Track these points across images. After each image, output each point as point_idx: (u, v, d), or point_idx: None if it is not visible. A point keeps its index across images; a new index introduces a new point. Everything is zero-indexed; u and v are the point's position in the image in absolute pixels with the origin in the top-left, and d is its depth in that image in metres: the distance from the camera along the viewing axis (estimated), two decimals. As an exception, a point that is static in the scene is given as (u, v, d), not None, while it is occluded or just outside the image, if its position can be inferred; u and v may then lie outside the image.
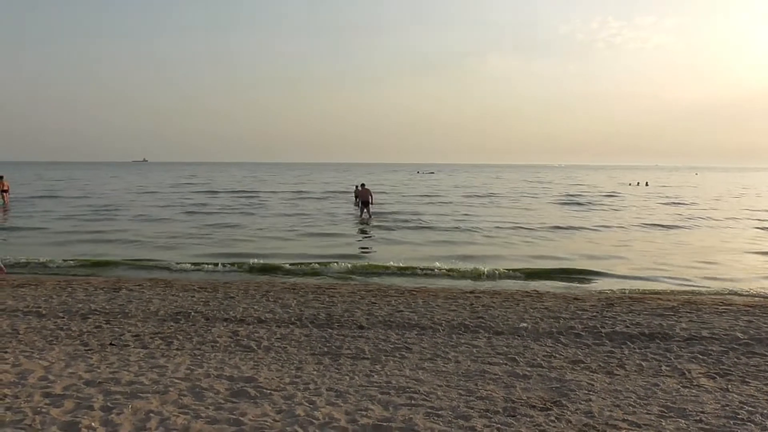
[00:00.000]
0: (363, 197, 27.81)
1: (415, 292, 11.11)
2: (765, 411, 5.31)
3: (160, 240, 20.22)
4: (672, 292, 12.11)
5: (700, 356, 7.08)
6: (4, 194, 32.88)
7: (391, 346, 7.43)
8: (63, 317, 8.74)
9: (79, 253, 16.56)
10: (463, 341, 7.69)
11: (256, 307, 9.52)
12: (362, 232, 23.51)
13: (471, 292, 11.27)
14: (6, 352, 6.77)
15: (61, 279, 12.35)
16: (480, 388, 5.83)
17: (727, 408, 5.38)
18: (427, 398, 5.51)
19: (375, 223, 25.56)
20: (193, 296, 10.33)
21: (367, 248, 19.21)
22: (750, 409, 5.37)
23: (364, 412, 5.11)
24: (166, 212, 30.75)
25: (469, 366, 6.63)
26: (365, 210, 27.62)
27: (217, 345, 7.39)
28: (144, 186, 60.34)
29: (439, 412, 5.15)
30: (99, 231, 22.22)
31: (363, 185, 28.70)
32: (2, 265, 12.41)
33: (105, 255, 16.46)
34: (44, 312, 9.02)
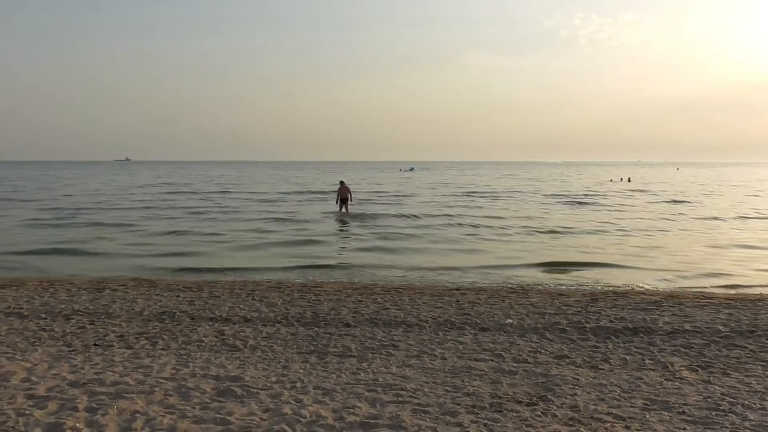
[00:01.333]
0: (342, 194, 28.65)
1: (401, 290, 11.13)
2: (746, 402, 5.39)
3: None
4: (655, 287, 12.23)
5: (683, 349, 7.17)
6: None
7: (378, 343, 7.45)
8: (45, 318, 8.65)
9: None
10: (449, 338, 7.72)
11: (241, 306, 9.48)
12: (340, 229, 23.68)
13: (456, 289, 11.31)
14: (-13, 355, 6.69)
15: (43, 279, 12.21)
16: (466, 384, 5.86)
17: (709, 400, 5.46)
18: (414, 395, 5.53)
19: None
20: (178, 296, 10.27)
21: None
22: (731, 400, 5.45)
23: (351, 410, 5.12)
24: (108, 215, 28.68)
25: (455, 362, 6.65)
26: (344, 206, 28.48)
27: (203, 344, 7.35)
28: (100, 189, 54.20)
29: (426, 409, 5.17)
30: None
31: (342, 182, 29.45)
32: None
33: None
34: (26, 313, 8.91)
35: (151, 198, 42.16)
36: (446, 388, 5.76)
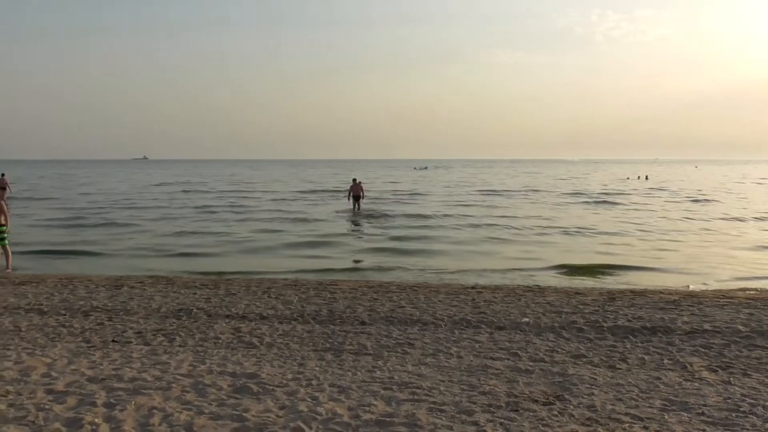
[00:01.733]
0: (354, 192, 29.00)
1: (416, 288, 11.11)
2: (767, 403, 5.32)
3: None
4: (673, 286, 12.11)
5: (702, 349, 7.09)
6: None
7: (394, 341, 7.44)
8: (65, 314, 8.75)
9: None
10: (465, 336, 7.69)
11: (258, 303, 9.52)
12: (354, 226, 23.83)
13: (472, 288, 11.28)
14: (8, 350, 6.78)
15: (62, 276, 12.35)
16: (482, 383, 5.83)
17: (729, 401, 5.39)
18: (430, 393, 5.52)
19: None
20: (195, 293, 10.34)
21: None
22: (752, 401, 5.37)
23: (367, 408, 5.12)
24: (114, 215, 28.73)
25: (471, 361, 6.63)
26: (356, 204, 28.86)
27: (220, 342, 7.39)
28: (114, 188, 54.39)
29: (442, 407, 5.16)
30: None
31: (355, 180, 29.65)
32: None
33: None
34: (46, 309, 9.02)
35: (164, 197, 42.54)
36: (462, 386, 5.74)
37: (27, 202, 36.77)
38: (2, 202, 13.79)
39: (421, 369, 6.32)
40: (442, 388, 5.67)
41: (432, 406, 5.20)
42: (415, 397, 5.43)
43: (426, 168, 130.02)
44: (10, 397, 5.19)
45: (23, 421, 4.64)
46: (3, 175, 34.46)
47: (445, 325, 8.24)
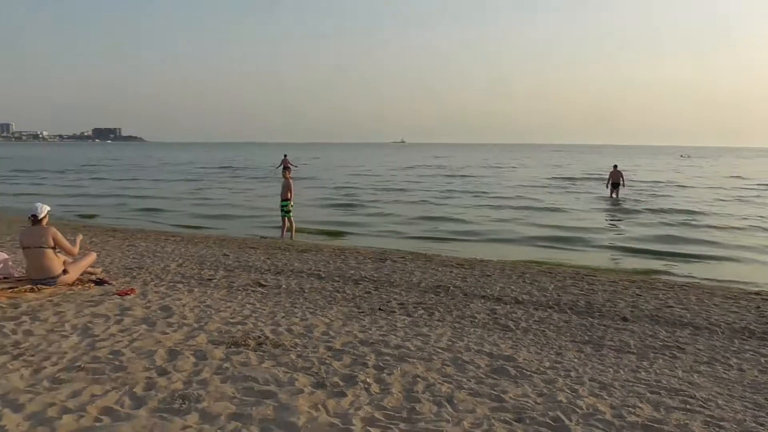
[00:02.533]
0: (614, 178, 27.88)
1: (686, 288, 10.13)
2: None
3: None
4: None
5: None
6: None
7: (660, 343, 6.87)
8: (338, 281, 9.72)
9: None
10: (747, 348, 6.80)
11: (512, 287, 9.53)
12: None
13: (757, 294, 9.90)
14: (295, 307, 7.75)
15: (335, 247, 13.75)
16: (772, 403, 5.10)
17: None
18: (705, 405, 4.98)
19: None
20: (451, 272, 10.72)
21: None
22: None
23: (631, 409, 4.80)
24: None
25: (756, 377, 5.83)
26: (615, 192, 27.77)
27: (476, 321, 7.56)
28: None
29: (721, 423, 4.62)
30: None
31: (615, 167, 28.29)
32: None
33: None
34: (323, 275, 10.12)
35: (430, 181, 44.62)
36: (745, 403, 5.08)
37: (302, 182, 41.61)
38: (290, 179, 15.78)
39: (694, 377, 5.74)
40: (720, 402, 5.08)
41: (708, 419, 4.68)
42: (688, 406, 4.94)
43: (689, 156, 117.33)
44: (298, 349, 5.92)
45: (309, 371, 5.25)
46: (285, 156, 39.43)
47: (722, 333, 7.38)
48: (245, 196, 31.67)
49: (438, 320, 7.54)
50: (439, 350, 6.13)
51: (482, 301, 8.64)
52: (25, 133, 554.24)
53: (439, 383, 5.14)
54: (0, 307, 6.83)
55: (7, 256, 8.33)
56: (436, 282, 9.78)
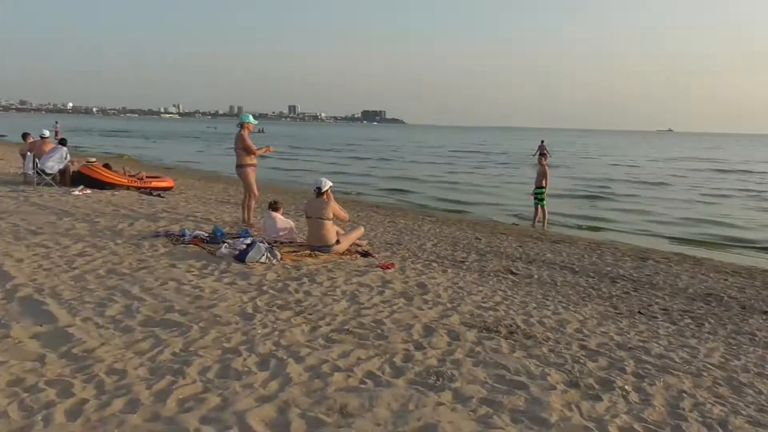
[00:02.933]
0: None
1: None
2: None
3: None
4: None
5: None
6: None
7: None
8: (593, 277, 9.26)
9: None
10: None
11: (805, 305, 8.16)
12: None
13: None
14: (547, 300, 7.57)
15: (591, 241, 13.13)
16: None
17: None
18: None
19: None
20: (726, 279, 9.55)
21: None
22: None
23: None
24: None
25: None
26: None
27: (756, 339, 6.63)
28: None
29: None
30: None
31: None
32: None
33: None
34: (577, 269, 9.73)
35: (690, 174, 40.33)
36: None
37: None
38: (545, 167, 15.42)
39: None
40: None
41: None
42: None
43: None
44: (550, 343, 5.77)
45: (561, 368, 5.08)
46: (542, 142, 38.43)
47: None
48: (497, 180, 31.91)
49: (708, 332, 6.77)
50: (710, 366, 5.50)
51: (765, 317, 7.54)
52: (308, 114, 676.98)
53: (710, 403, 4.62)
54: (286, 268, 7.83)
55: (293, 224, 9.51)
56: (707, 289, 8.78)
